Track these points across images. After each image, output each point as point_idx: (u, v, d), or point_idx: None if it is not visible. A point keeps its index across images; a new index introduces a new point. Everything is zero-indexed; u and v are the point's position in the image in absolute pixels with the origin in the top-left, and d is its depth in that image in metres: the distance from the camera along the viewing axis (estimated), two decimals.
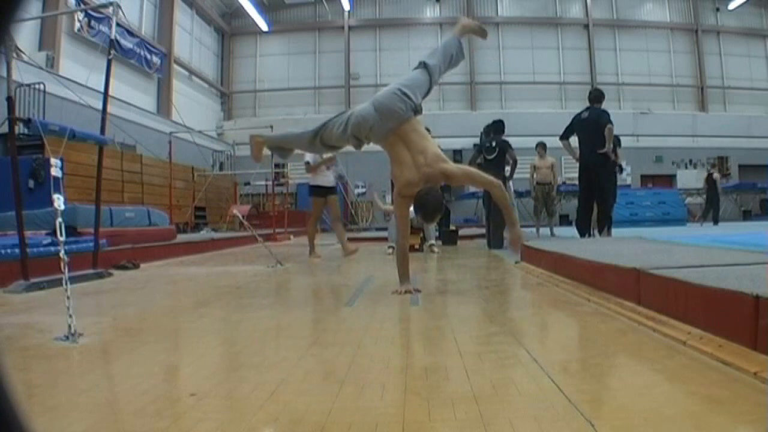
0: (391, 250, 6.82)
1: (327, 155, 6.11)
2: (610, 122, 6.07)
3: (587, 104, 6.52)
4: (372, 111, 3.29)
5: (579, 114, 6.48)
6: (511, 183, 7.73)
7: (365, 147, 3.55)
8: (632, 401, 1.37)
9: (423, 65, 3.48)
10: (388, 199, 14.21)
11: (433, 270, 5.25)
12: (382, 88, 3.56)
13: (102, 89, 4.90)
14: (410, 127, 3.30)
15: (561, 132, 6.63)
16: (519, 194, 10.72)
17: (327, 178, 6.58)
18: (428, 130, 3.66)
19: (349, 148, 3.63)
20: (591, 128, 6.16)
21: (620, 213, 9.88)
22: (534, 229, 9.76)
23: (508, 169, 7.53)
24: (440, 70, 3.54)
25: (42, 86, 9.33)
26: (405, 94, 3.30)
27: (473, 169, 3.63)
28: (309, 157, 6.20)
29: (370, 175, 16.67)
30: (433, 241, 7.40)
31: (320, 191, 6.58)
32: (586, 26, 20.45)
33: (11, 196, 3.79)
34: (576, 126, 6.44)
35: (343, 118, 3.40)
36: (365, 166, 15.31)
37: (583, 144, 6.34)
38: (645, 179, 19.17)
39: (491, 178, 3.33)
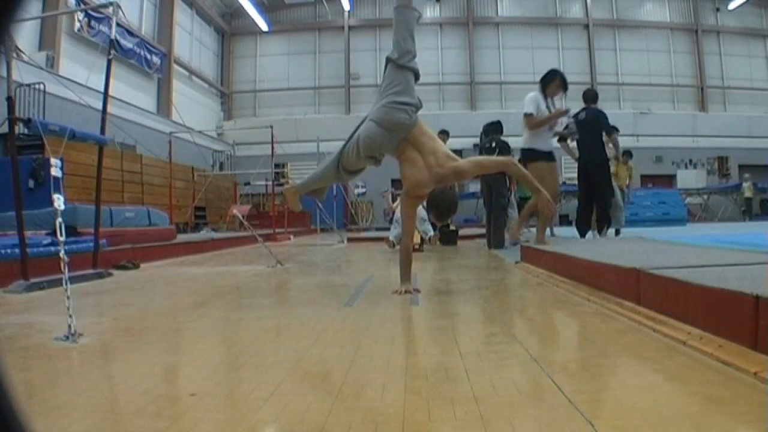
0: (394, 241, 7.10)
1: (557, 109, 5.30)
2: (615, 128, 6.13)
3: (584, 104, 6.54)
4: (377, 128, 3.25)
5: (576, 115, 6.48)
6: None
7: None
8: (632, 401, 1.37)
9: (394, 63, 3.31)
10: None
11: (433, 270, 5.24)
12: None
13: (102, 89, 4.91)
14: (419, 131, 3.29)
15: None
16: None
17: (547, 142, 5.33)
18: None
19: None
20: (589, 129, 6.17)
21: None
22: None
23: None
24: (412, 49, 3.34)
25: (42, 86, 9.35)
26: (402, 103, 3.24)
27: (482, 158, 3.63)
28: (531, 107, 5.18)
29: (369, 175, 16.65)
30: (431, 234, 7.80)
31: (543, 156, 5.26)
32: (586, 26, 20.48)
33: (11, 196, 3.79)
34: (575, 127, 6.44)
35: (352, 141, 3.36)
36: None
37: (581, 144, 6.34)
38: (645, 179, 19.19)
39: (501, 158, 3.31)
